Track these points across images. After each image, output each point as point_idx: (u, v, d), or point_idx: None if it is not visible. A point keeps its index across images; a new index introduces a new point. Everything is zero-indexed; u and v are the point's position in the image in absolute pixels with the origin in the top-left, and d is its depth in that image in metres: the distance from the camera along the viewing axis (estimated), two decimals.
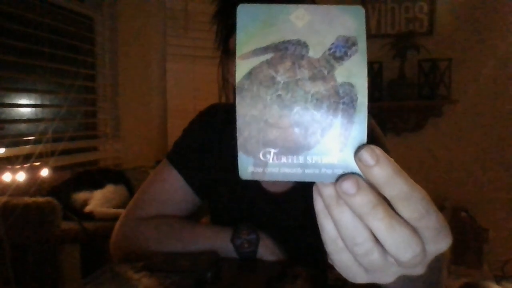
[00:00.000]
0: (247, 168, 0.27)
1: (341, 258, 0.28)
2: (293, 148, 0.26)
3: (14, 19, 1.66)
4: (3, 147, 1.52)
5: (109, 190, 1.68)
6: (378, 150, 0.25)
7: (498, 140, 2.56)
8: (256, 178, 0.27)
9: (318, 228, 0.28)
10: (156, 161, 1.99)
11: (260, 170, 0.27)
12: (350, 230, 0.26)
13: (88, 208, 1.59)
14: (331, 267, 0.30)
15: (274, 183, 0.80)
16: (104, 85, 2.23)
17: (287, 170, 0.27)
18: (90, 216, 1.56)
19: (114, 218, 1.45)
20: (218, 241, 0.73)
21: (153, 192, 0.82)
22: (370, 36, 2.63)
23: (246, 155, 0.27)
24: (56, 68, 1.89)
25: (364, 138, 0.26)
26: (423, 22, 2.61)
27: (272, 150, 0.27)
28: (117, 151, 2.25)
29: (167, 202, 0.81)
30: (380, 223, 0.25)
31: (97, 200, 1.62)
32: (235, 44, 0.26)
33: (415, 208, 0.25)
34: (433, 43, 2.56)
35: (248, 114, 0.26)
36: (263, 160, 0.27)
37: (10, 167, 1.38)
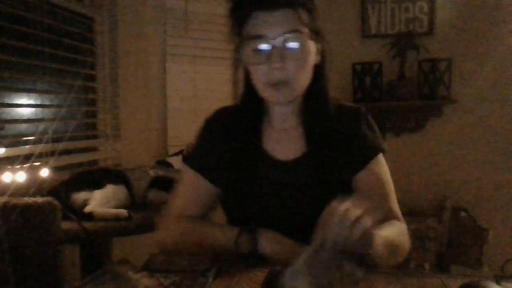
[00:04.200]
0: None
1: None
2: None
3: (14, 19, 1.66)
4: (3, 147, 1.52)
5: (109, 190, 1.67)
6: None
7: (498, 140, 2.56)
8: None
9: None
10: (156, 161, 1.99)
11: None
12: None
13: (88, 208, 1.59)
14: None
15: (283, 150, 0.89)
16: (104, 85, 2.23)
17: None
18: (90, 216, 1.56)
19: (114, 218, 1.46)
20: (223, 240, 0.79)
21: (182, 194, 0.96)
22: (370, 36, 2.64)
23: None
24: (56, 68, 1.89)
25: None
26: (423, 22, 2.61)
27: None
28: (117, 151, 2.25)
29: (195, 199, 0.94)
30: None
31: (97, 200, 1.61)
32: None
33: None
34: (433, 43, 2.56)
35: None
36: None
37: (10, 167, 1.38)
